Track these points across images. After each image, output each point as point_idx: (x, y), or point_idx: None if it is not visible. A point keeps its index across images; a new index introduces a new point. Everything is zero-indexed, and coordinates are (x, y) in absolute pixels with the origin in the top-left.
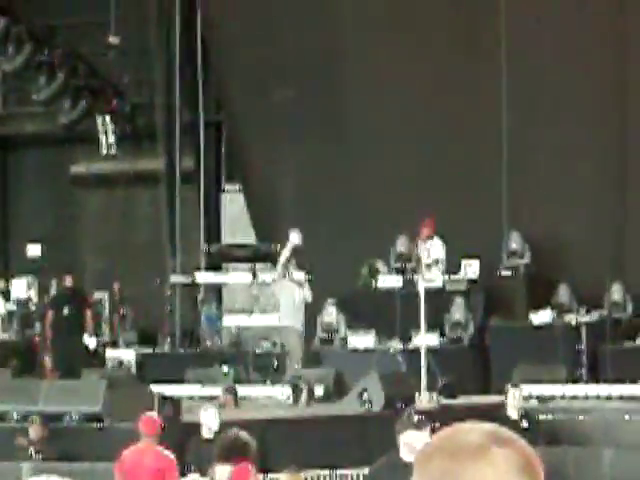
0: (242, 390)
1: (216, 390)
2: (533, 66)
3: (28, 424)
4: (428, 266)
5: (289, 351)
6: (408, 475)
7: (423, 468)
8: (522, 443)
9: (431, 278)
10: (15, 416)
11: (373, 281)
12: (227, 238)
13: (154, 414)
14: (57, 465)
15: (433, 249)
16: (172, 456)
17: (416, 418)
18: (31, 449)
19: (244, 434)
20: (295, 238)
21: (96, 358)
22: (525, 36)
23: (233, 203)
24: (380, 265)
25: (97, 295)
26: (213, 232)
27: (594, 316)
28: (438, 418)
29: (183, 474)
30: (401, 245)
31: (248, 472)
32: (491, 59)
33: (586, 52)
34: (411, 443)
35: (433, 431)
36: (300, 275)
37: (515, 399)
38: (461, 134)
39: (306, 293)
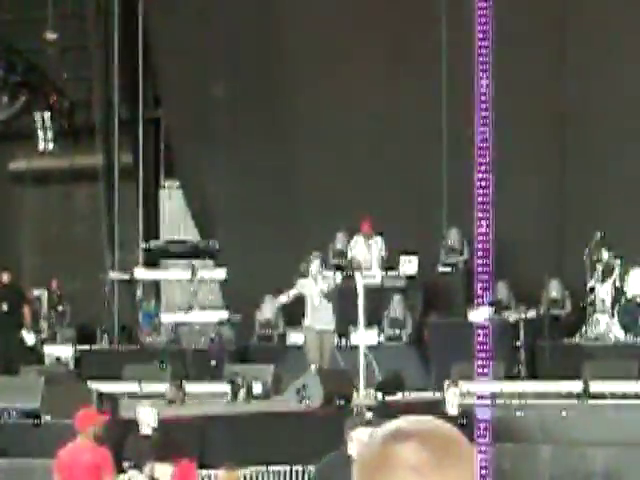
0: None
1: (154, 387)
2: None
3: None
4: (363, 265)
5: (307, 351)
6: None
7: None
8: (431, 430)
9: (370, 275)
10: None
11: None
12: (165, 234)
13: (89, 410)
14: None
15: (374, 247)
16: (107, 451)
17: (367, 415)
18: None
19: (182, 432)
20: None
21: (34, 355)
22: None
23: (171, 199)
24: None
25: (35, 292)
26: (151, 228)
27: (532, 313)
28: (376, 415)
29: (122, 471)
30: (339, 242)
31: (192, 470)
32: (432, 57)
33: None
34: (361, 440)
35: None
36: (329, 274)
37: (453, 396)
38: (401, 131)
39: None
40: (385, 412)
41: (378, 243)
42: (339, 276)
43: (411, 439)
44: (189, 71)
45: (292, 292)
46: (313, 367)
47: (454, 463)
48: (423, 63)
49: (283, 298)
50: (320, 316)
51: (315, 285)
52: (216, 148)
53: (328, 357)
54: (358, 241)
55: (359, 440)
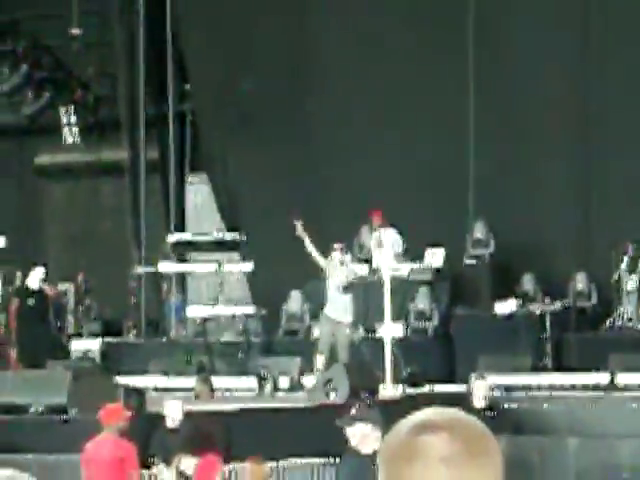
0: None
1: (181, 381)
2: (502, 50)
3: None
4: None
5: (337, 344)
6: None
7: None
8: (460, 421)
9: (396, 267)
10: None
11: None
12: (192, 228)
13: (115, 405)
14: (20, 457)
15: (385, 239)
16: (131, 445)
17: (365, 411)
18: None
19: (209, 425)
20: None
21: (61, 349)
22: (495, 29)
23: (198, 194)
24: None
25: (62, 286)
26: (178, 222)
27: (559, 305)
28: (403, 408)
29: (147, 465)
30: (364, 236)
31: (214, 464)
32: (459, 36)
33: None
34: (356, 435)
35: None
36: (351, 265)
37: (480, 389)
38: (427, 123)
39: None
40: (411, 405)
41: (393, 236)
42: (362, 268)
43: (441, 430)
44: (216, 65)
45: (316, 254)
46: (319, 358)
47: (483, 455)
48: (450, 60)
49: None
50: (336, 307)
51: (335, 274)
52: (243, 142)
53: (341, 351)
54: (369, 234)
55: (362, 435)
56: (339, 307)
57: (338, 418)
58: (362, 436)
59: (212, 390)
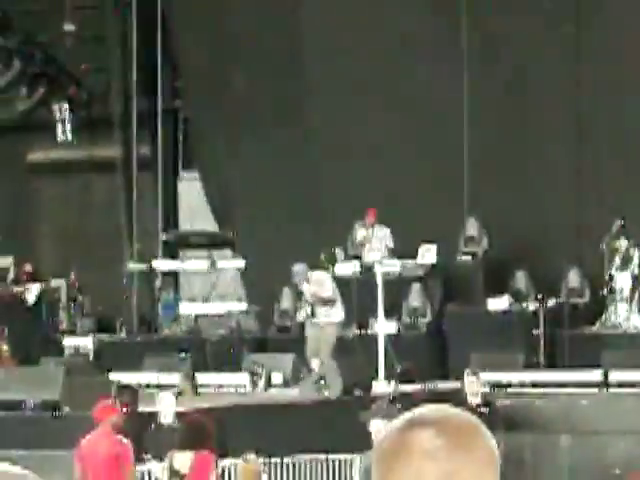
0: (200, 377)
1: (174, 378)
2: (497, 50)
3: None
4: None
5: (325, 341)
6: None
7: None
8: (448, 417)
9: (389, 264)
10: None
11: (331, 268)
12: (184, 225)
13: (109, 401)
14: (14, 453)
15: (377, 236)
16: (127, 442)
17: (385, 407)
18: None
19: (204, 422)
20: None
21: (54, 345)
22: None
23: (190, 190)
24: (338, 252)
25: (54, 282)
26: (170, 219)
27: (551, 302)
28: (394, 405)
29: (141, 461)
30: (357, 233)
31: (210, 460)
32: (452, 42)
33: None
34: (377, 432)
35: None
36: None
37: (473, 385)
38: (421, 120)
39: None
40: (404, 402)
41: (384, 233)
42: (355, 265)
43: (428, 426)
44: (208, 62)
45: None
46: (314, 361)
47: (469, 450)
48: (447, 58)
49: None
50: (325, 310)
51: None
52: (235, 139)
53: (324, 348)
54: (361, 231)
55: (376, 430)
56: (321, 312)
57: (360, 413)
58: (377, 432)
59: (196, 387)
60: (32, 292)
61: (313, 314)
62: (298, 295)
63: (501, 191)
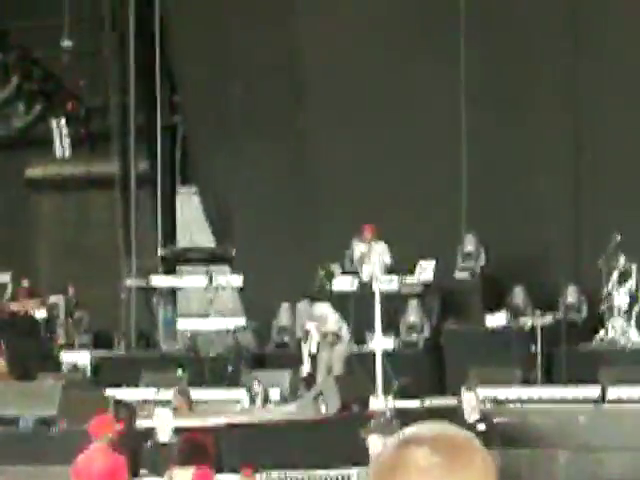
0: (198, 393)
1: (172, 394)
2: (496, 65)
3: None
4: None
5: (337, 359)
6: None
7: None
8: (444, 435)
9: (386, 281)
10: None
11: (328, 284)
12: (182, 241)
13: (105, 417)
14: (11, 469)
15: (374, 252)
16: (122, 458)
17: (383, 423)
18: None
19: (203, 438)
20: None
21: (51, 361)
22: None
23: (188, 206)
24: (335, 268)
25: (52, 298)
26: (168, 235)
27: (549, 318)
28: (393, 421)
29: (137, 477)
30: (355, 249)
31: (209, 475)
32: (451, 57)
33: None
34: (374, 448)
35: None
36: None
37: (470, 402)
38: (419, 135)
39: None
40: (402, 418)
41: (382, 249)
42: (353, 282)
43: (424, 444)
44: (206, 77)
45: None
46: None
47: (466, 467)
48: (444, 71)
49: (306, 367)
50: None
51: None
52: (233, 154)
53: (339, 367)
54: (358, 247)
55: (374, 446)
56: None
57: (361, 430)
58: (375, 448)
59: (191, 403)
60: (39, 309)
61: (318, 350)
62: (305, 336)
63: (499, 207)
